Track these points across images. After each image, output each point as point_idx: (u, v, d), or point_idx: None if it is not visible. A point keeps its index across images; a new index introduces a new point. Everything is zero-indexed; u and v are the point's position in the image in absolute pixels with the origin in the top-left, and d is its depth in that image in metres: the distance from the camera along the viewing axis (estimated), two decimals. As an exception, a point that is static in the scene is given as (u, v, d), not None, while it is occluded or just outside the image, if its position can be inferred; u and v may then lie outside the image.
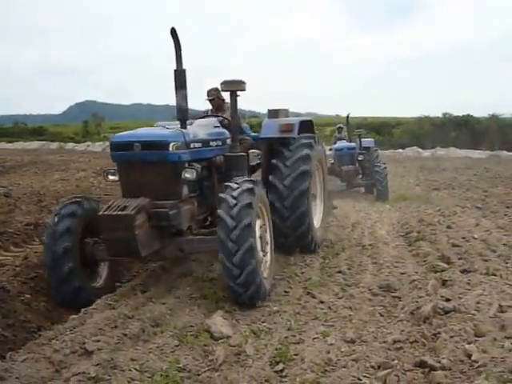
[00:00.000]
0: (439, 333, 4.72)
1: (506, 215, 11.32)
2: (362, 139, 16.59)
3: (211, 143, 6.57)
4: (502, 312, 5.15)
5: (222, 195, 5.54)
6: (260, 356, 4.42)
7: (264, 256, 5.89)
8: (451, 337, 4.62)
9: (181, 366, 4.21)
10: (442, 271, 6.61)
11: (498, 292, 5.72)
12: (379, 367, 4.14)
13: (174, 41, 5.73)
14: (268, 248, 6.08)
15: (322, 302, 5.74)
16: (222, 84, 6.45)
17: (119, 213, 5.34)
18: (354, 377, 3.96)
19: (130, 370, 4.09)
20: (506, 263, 7.06)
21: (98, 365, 4.13)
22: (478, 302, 5.43)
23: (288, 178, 7.36)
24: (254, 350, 4.52)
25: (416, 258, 7.56)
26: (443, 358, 4.18)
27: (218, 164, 6.73)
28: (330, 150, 16.24)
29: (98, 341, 4.58)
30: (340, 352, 4.47)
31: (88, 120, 68.03)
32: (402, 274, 6.78)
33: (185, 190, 5.91)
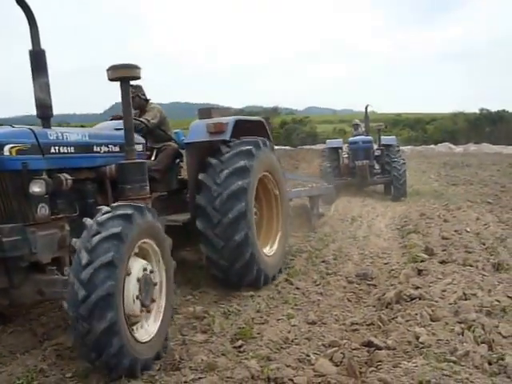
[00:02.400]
0: (396, 317, 4.99)
1: (512, 210, 11.34)
2: (384, 136, 15.87)
3: (96, 148, 5.11)
4: (465, 300, 5.36)
5: (85, 221, 4.04)
6: (224, 334, 4.78)
7: (147, 310, 4.22)
8: (407, 321, 4.88)
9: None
10: (422, 262, 6.81)
11: (468, 281, 5.92)
12: (329, 346, 4.45)
13: (26, 12, 4.42)
14: (159, 296, 4.43)
15: (297, 289, 6.06)
16: (108, 70, 4.80)
17: None
18: (302, 353, 4.27)
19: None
20: (491, 255, 7.21)
21: (76, 337, 4.56)
22: (444, 290, 5.66)
23: (218, 199, 5.85)
24: (220, 329, 4.88)
25: (403, 250, 7.77)
26: (391, 339, 4.46)
27: (112, 175, 5.11)
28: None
29: (81, 317, 5.00)
30: (299, 332, 4.78)
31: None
32: (385, 264, 7.04)
33: (41, 209, 4.36)
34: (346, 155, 15.06)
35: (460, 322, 4.74)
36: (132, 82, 5.21)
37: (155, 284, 4.35)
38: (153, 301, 4.30)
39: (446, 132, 47.37)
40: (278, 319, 5.10)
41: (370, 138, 15.35)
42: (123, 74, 4.79)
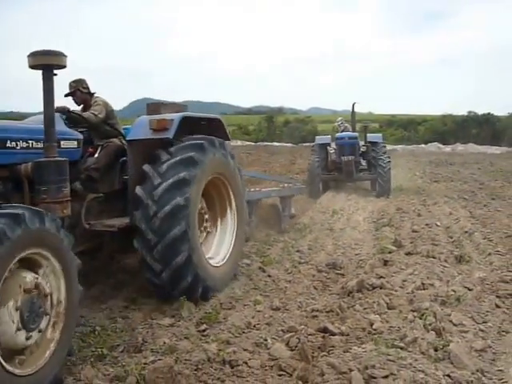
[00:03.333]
0: (355, 305, 4.90)
1: (485, 206, 11.22)
2: (370, 134, 15.25)
3: (11, 143, 4.22)
4: (423, 289, 5.27)
5: None
6: (191, 318, 4.70)
7: (27, 337, 3.22)
8: (364, 308, 4.81)
9: (121, 322, 4.55)
10: (389, 253, 6.71)
11: (429, 272, 5.83)
12: (288, 331, 4.35)
13: None
14: (54, 324, 3.52)
15: (269, 276, 5.96)
16: (28, 57, 4.03)
17: None
18: (260, 337, 4.19)
19: (76, 326, 4.41)
20: (457, 248, 7.11)
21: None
22: (405, 280, 5.57)
23: (155, 219, 4.84)
24: (189, 313, 4.79)
25: (374, 242, 7.67)
26: (345, 326, 4.37)
27: (28, 174, 4.21)
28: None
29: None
30: (263, 317, 4.69)
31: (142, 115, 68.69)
32: (356, 254, 6.94)
33: None
34: (333, 151, 14.40)
35: (413, 310, 4.67)
36: (74, 76, 4.67)
37: (46, 313, 3.40)
38: (39, 331, 3.34)
39: (435, 133, 47.08)
40: (245, 305, 5.02)
41: (356, 134, 14.72)
42: (45, 62, 4.02)
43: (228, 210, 5.92)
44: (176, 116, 5.21)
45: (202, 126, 5.68)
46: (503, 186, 15.44)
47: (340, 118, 16.71)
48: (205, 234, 5.61)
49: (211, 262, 5.42)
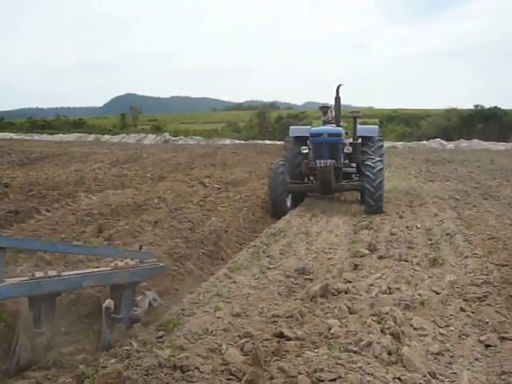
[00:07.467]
0: (316, 310, 5.22)
1: (475, 206, 11.51)
2: (362, 126, 12.67)
3: None
4: (388, 293, 5.60)
5: None
6: (152, 324, 4.99)
7: None
8: (325, 313, 5.14)
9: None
10: (361, 257, 7.04)
11: (397, 276, 6.17)
12: (244, 336, 4.67)
13: None
14: None
15: (234, 282, 6.24)
16: None
17: None
18: (215, 343, 4.49)
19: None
20: (434, 251, 7.43)
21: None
22: (372, 285, 5.91)
23: None
24: (151, 319, 5.09)
25: (349, 245, 7.97)
26: (302, 331, 4.69)
27: None
28: None
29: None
30: (222, 323, 5.00)
31: (125, 113, 69.18)
32: (329, 259, 7.24)
33: None
34: (307, 150, 11.58)
35: (374, 315, 4.98)
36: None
37: None
38: None
39: (439, 128, 47.44)
40: (205, 311, 5.31)
41: (339, 129, 11.74)
42: None
43: None
44: None
45: None
46: (500, 184, 15.73)
47: (327, 103, 13.39)
48: None
49: None
